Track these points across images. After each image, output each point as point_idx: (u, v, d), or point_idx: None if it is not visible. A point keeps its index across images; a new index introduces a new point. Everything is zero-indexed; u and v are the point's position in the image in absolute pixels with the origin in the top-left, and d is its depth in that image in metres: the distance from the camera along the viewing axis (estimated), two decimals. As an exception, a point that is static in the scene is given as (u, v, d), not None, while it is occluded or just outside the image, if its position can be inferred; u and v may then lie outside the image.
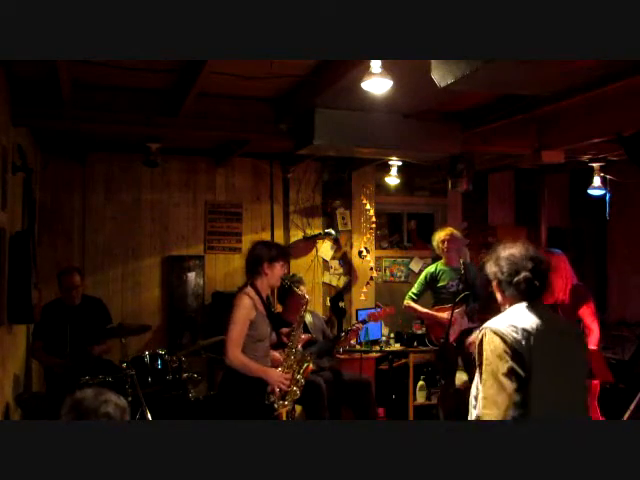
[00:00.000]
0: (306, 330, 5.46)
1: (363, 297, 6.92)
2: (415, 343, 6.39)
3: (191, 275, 6.48)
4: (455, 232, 5.86)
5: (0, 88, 3.91)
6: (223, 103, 4.81)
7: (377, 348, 6.17)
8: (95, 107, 4.59)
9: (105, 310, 5.39)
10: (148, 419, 4.57)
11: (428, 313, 5.73)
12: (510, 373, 2.18)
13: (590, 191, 5.96)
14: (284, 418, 3.91)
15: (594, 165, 5.82)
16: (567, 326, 2.55)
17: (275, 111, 4.96)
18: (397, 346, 6.45)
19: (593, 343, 4.31)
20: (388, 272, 7.26)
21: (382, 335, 6.62)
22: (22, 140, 4.74)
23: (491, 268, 2.44)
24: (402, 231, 7.41)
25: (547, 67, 2.76)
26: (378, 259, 7.18)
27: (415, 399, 6.25)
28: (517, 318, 2.31)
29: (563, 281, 4.46)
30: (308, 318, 5.61)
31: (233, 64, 3.90)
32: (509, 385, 2.17)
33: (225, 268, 6.61)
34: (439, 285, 5.74)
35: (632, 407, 4.39)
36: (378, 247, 7.19)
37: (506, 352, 2.20)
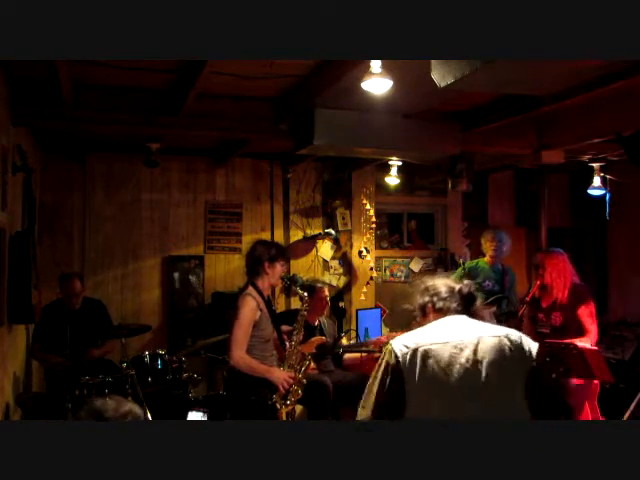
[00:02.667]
0: (322, 333, 5.46)
1: (363, 297, 6.92)
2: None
3: (191, 275, 6.48)
4: (505, 234, 5.81)
5: (0, 88, 3.91)
6: (223, 103, 4.81)
7: (377, 348, 6.15)
8: (95, 107, 4.59)
9: (105, 313, 5.39)
10: (148, 419, 4.57)
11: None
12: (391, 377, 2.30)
13: (590, 191, 5.95)
14: (284, 418, 3.91)
15: (594, 165, 5.82)
16: (499, 340, 2.34)
17: (275, 111, 4.96)
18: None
19: (589, 344, 4.28)
20: (388, 272, 7.26)
21: (382, 335, 6.61)
22: (22, 140, 4.74)
23: (424, 298, 2.62)
24: (402, 231, 7.41)
25: (547, 67, 2.76)
26: (378, 259, 7.18)
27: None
28: (421, 332, 2.42)
29: (562, 280, 4.46)
30: (324, 321, 5.62)
31: (233, 64, 3.90)
32: (381, 389, 2.31)
33: (225, 268, 6.61)
34: (476, 281, 5.69)
35: (632, 407, 4.39)
36: (378, 247, 7.19)
37: (390, 362, 2.33)
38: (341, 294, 6.84)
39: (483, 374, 2.22)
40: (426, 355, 2.27)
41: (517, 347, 2.27)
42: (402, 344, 2.34)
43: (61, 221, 6.14)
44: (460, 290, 2.52)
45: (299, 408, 5.28)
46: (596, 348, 4.06)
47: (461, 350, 2.27)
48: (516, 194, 7.59)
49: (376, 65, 3.41)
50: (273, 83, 4.40)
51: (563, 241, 7.18)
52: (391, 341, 2.38)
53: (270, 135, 5.09)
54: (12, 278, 4.22)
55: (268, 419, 3.75)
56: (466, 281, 2.61)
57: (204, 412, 3.80)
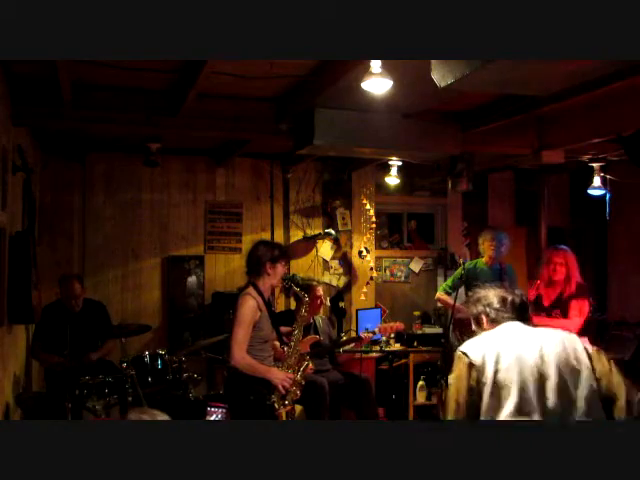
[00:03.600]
0: (315, 332, 5.46)
1: (363, 297, 6.91)
2: (415, 343, 6.39)
3: (191, 275, 6.48)
4: (503, 234, 5.81)
5: (0, 88, 3.91)
6: (223, 103, 4.81)
7: (377, 348, 6.17)
8: (95, 107, 4.59)
9: (106, 314, 5.39)
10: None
11: (459, 307, 5.59)
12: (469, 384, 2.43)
13: (590, 191, 5.96)
14: (284, 418, 3.91)
15: (594, 165, 5.82)
16: (558, 344, 2.53)
17: (275, 111, 4.95)
18: (397, 346, 6.45)
19: (560, 324, 4.40)
20: (388, 272, 7.26)
21: (382, 335, 6.62)
22: (22, 140, 4.74)
23: (477, 308, 2.71)
24: (402, 231, 7.41)
25: (547, 67, 2.76)
26: (378, 259, 7.18)
27: (415, 399, 6.25)
28: (488, 339, 2.53)
29: (572, 275, 4.55)
30: (318, 320, 5.61)
31: (233, 64, 3.90)
32: (461, 396, 2.42)
33: (225, 268, 6.61)
34: (475, 282, 5.67)
35: (632, 407, 4.39)
36: (378, 247, 7.19)
37: (465, 369, 2.45)
38: (341, 294, 6.84)
39: (551, 375, 2.35)
40: (498, 359, 2.40)
41: (577, 348, 2.45)
42: (473, 349, 2.47)
43: (61, 221, 6.14)
44: (512, 301, 2.65)
45: (299, 408, 5.28)
46: (596, 348, 4.06)
47: (528, 354, 2.40)
48: (516, 194, 7.58)
49: (376, 65, 3.41)
50: (273, 83, 4.40)
51: (563, 241, 7.18)
52: (461, 348, 2.51)
53: (270, 135, 5.09)
54: (12, 278, 4.22)
55: (267, 419, 3.75)
56: (517, 291, 2.73)
57: (223, 408, 3.79)
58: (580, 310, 4.47)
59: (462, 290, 5.56)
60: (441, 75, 2.96)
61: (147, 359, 4.97)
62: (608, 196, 6.03)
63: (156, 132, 5.15)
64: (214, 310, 6.38)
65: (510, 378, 2.35)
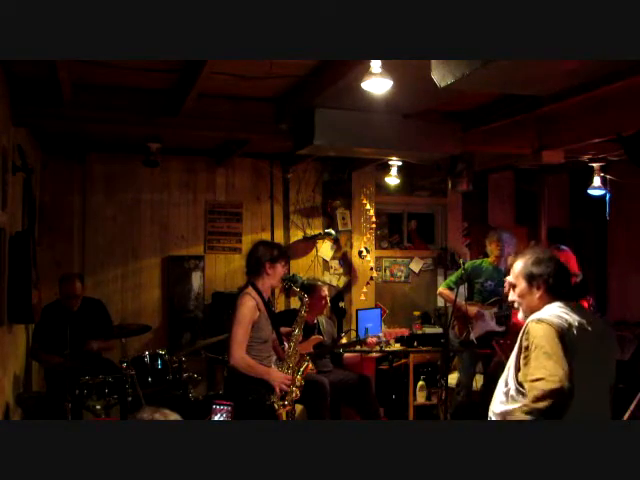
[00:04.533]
0: (320, 332, 5.46)
1: (363, 297, 6.92)
2: (415, 343, 6.39)
3: (191, 275, 6.48)
4: (509, 235, 5.80)
5: (0, 88, 3.91)
6: (223, 103, 4.81)
7: (377, 348, 6.17)
8: (95, 107, 4.59)
9: (105, 312, 5.39)
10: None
11: (460, 303, 5.59)
12: (564, 352, 2.29)
13: (590, 191, 5.96)
14: (284, 418, 3.91)
15: (594, 165, 5.82)
16: (605, 328, 2.57)
17: (275, 111, 4.95)
18: (397, 346, 6.45)
19: None
20: (388, 272, 7.26)
21: (387, 340, 6.62)
22: (22, 140, 4.74)
23: (537, 268, 2.55)
24: (402, 231, 7.41)
25: (547, 67, 2.76)
26: (378, 259, 7.18)
27: (415, 399, 6.25)
28: (560, 313, 2.43)
29: (572, 275, 4.52)
30: (322, 320, 5.62)
31: (233, 64, 3.90)
32: (564, 362, 2.26)
33: (225, 268, 6.61)
34: (478, 280, 5.69)
35: (632, 407, 4.40)
36: (378, 247, 7.19)
37: (557, 336, 2.31)
38: (341, 294, 6.84)
39: (605, 358, 2.40)
40: (579, 335, 2.35)
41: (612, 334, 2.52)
42: (558, 319, 2.38)
43: (61, 221, 6.14)
44: (573, 277, 2.66)
45: (299, 408, 5.28)
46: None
47: (593, 333, 2.38)
48: (516, 194, 7.59)
49: (376, 65, 3.41)
50: (273, 83, 4.40)
51: (563, 241, 7.18)
52: (540, 317, 2.40)
53: (270, 135, 5.09)
54: (12, 278, 4.22)
55: (266, 419, 3.75)
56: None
57: (228, 406, 3.77)
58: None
59: (462, 289, 5.56)
60: (441, 75, 2.96)
61: (147, 359, 4.97)
62: (608, 196, 6.02)
63: (156, 132, 5.15)
64: (214, 310, 6.39)
65: (587, 359, 2.34)
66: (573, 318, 2.39)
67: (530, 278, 2.54)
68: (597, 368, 2.38)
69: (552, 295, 2.50)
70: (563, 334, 2.31)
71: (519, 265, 2.61)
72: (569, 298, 2.50)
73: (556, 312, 2.42)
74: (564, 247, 4.74)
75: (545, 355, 2.27)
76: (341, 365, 5.85)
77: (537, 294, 2.52)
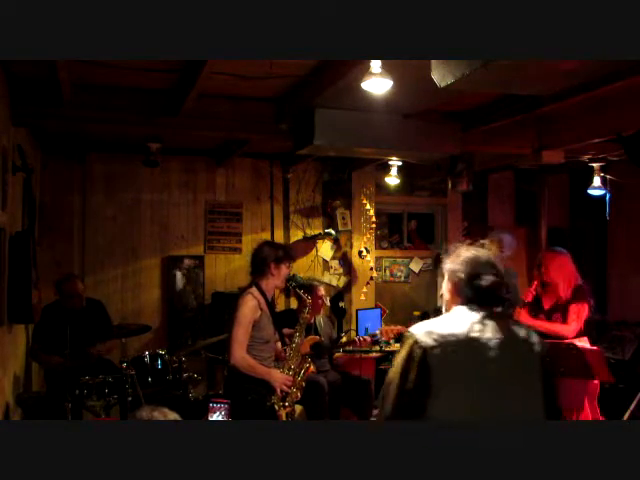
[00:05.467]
0: (316, 332, 5.46)
1: (363, 297, 6.92)
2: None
3: (191, 275, 6.48)
4: (509, 236, 5.79)
5: (0, 88, 3.91)
6: (223, 103, 4.81)
7: (377, 348, 6.17)
8: (95, 107, 4.59)
9: (105, 313, 5.39)
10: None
11: None
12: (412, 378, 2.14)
13: (590, 191, 5.95)
14: (284, 418, 3.91)
15: (594, 165, 5.82)
16: (516, 341, 2.26)
17: (275, 111, 4.95)
18: (397, 346, 6.44)
19: (553, 326, 4.40)
20: (388, 272, 7.27)
21: (383, 338, 6.61)
22: (22, 140, 4.74)
23: (452, 266, 2.37)
24: (402, 231, 7.41)
25: (547, 67, 2.76)
26: (378, 259, 7.19)
27: (415, 399, 6.23)
28: (447, 323, 2.25)
29: (566, 279, 4.47)
30: (319, 320, 5.61)
31: (233, 64, 3.90)
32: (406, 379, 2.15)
33: (225, 268, 6.61)
34: None
35: (632, 407, 4.39)
36: (378, 247, 7.20)
37: (410, 352, 2.16)
38: (341, 294, 6.84)
39: (505, 370, 2.19)
40: (454, 348, 2.14)
41: (532, 342, 2.28)
42: (427, 334, 2.17)
43: (61, 221, 6.14)
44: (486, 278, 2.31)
45: (299, 408, 5.28)
46: (596, 348, 4.07)
47: (484, 344, 2.18)
48: (516, 194, 7.59)
49: (376, 65, 3.41)
50: (273, 83, 4.40)
51: (563, 241, 7.18)
52: (411, 330, 2.21)
53: (270, 135, 5.09)
54: (12, 278, 4.22)
55: (266, 419, 3.75)
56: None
57: (226, 404, 3.76)
58: (578, 314, 4.41)
59: None
60: (441, 75, 2.96)
61: (147, 359, 4.97)
62: (608, 196, 6.02)
63: (156, 132, 5.15)
64: (214, 310, 6.39)
65: (467, 372, 2.18)
66: (455, 329, 2.19)
67: (447, 274, 2.39)
68: (484, 383, 2.15)
69: (460, 297, 2.30)
70: (421, 349, 2.13)
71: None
72: (483, 304, 2.26)
73: (440, 321, 2.26)
74: (561, 249, 4.71)
75: (391, 376, 2.19)
76: (336, 365, 5.84)
77: (449, 293, 2.37)
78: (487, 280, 2.30)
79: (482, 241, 2.57)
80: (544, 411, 2.18)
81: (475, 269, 2.32)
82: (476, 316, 2.25)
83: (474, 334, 2.20)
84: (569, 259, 4.55)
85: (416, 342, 2.15)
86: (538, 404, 2.19)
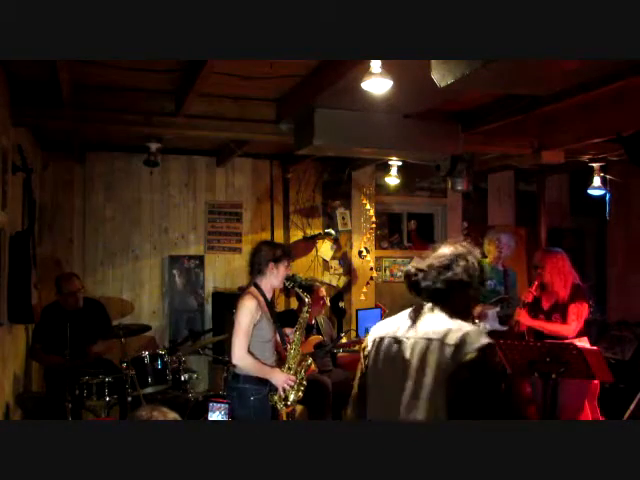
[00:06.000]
0: (318, 332, 5.46)
1: (363, 297, 6.92)
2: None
3: (191, 275, 6.48)
4: (508, 236, 5.80)
5: (0, 88, 3.91)
6: (223, 103, 4.81)
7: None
8: (95, 107, 4.59)
9: (105, 313, 5.39)
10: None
11: None
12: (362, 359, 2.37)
13: (590, 191, 5.96)
14: (285, 418, 3.91)
15: (594, 165, 5.82)
16: (429, 340, 2.14)
17: (275, 111, 4.96)
18: (360, 352, 6.43)
19: (552, 326, 4.44)
20: (388, 272, 7.27)
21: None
22: (22, 140, 4.74)
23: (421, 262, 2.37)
24: (402, 231, 7.41)
25: (547, 67, 2.76)
26: (378, 259, 7.19)
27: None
28: (389, 321, 2.38)
29: (562, 279, 4.48)
30: (320, 320, 5.61)
31: (233, 64, 3.90)
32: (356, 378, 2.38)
33: (225, 268, 6.61)
34: None
35: (632, 407, 4.40)
36: (378, 247, 7.20)
37: (365, 344, 2.38)
38: (341, 294, 6.84)
39: (405, 372, 2.14)
40: (381, 346, 2.27)
41: (445, 347, 2.08)
42: (371, 334, 2.37)
43: (61, 221, 6.15)
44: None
45: (299, 408, 5.28)
46: (596, 348, 4.07)
47: (400, 345, 2.20)
48: (516, 194, 7.59)
49: (376, 65, 3.41)
50: (273, 83, 4.40)
51: (563, 241, 7.19)
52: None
53: (270, 135, 5.09)
54: (12, 278, 4.22)
55: (267, 419, 3.75)
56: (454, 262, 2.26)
57: (226, 404, 3.76)
58: (578, 314, 4.42)
59: None
60: (441, 75, 2.96)
61: (147, 359, 4.97)
62: (608, 196, 6.02)
63: (156, 132, 5.15)
64: (214, 310, 6.39)
65: (379, 371, 2.31)
66: (387, 328, 2.31)
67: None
68: (393, 377, 2.18)
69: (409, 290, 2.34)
70: (363, 349, 2.37)
71: None
72: (425, 299, 2.24)
73: (389, 320, 2.38)
74: (557, 249, 4.72)
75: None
76: (338, 365, 5.84)
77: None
78: (407, 268, 2.34)
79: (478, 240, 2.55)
80: (451, 417, 2.04)
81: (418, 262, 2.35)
82: (411, 313, 2.29)
83: (397, 333, 2.25)
84: (566, 258, 4.56)
85: (365, 341, 2.39)
86: (431, 412, 2.07)
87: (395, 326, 2.29)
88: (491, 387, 2.07)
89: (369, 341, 2.36)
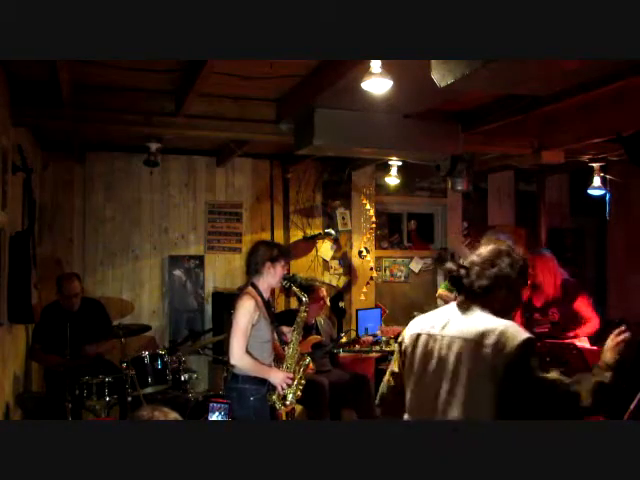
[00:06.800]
0: (318, 332, 5.46)
1: (363, 297, 6.92)
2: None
3: (191, 275, 6.48)
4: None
5: (0, 88, 3.91)
6: (223, 103, 4.81)
7: (377, 348, 6.17)
8: (95, 107, 4.59)
9: (104, 312, 5.39)
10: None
11: None
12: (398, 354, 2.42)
13: (590, 191, 5.96)
14: (284, 418, 3.91)
15: (594, 165, 5.83)
16: (468, 338, 2.14)
17: (275, 111, 4.95)
18: (397, 346, 6.44)
19: (590, 330, 4.52)
20: (388, 272, 7.27)
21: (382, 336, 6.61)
22: (22, 140, 4.74)
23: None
24: (402, 231, 7.41)
25: (547, 67, 2.76)
26: (378, 259, 7.19)
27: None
28: (426, 317, 2.38)
29: (552, 278, 4.61)
30: (320, 320, 5.61)
31: (233, 64, 3.90)
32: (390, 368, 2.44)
33: (225, 268, 6.61)
34: None
35: (632, 407, 4.40)
36: (378, 247, 7.20)
37: (400, 338, 2.41)
38: (341, 294, 6.84)
39: (444, 369, 2.16)
40: (418, 342, 2.28)
41: (485, 344, 2.08)
42: (408, 328, 2.37)
43: (61, 221, 6.14)
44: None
45: (299, 408, 5.28)
46: (596, 348, 4.08)
47: (436, 342, 2.22)
48: (516, 194, 7.59)
49: (376, 65, 3.41)
50: (273, 83, 4.40)
51: (563, 241, 7.19)
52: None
53: (270, 135, 5.09)
54: (12, 278, 4.22)
55: (267, 419, 3.75)
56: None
57: (226, 404, 3.76)
58: (588, 306, 4.60)
59: None
60: (441, 75, 2.96)
61: (147, 359, 4.97)
62: (608, 196, 6.03)
63: (156, 132, 5.15)
64: (214, 310, 6.39)
65: (418, 366, 2.33)
66: (425, 324, 2.31)
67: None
68: (434, 370, 2.20)
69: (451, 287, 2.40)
70: (399, 344, 2.41)
71: None
72: (465, 296, 2.25)
73: (427, 315, 2.39)
74: (544, 251, 4.83)
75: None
76: (337, 365, 5.84)
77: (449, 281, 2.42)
78: (448, 265, 2.32)
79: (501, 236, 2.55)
80: (494, 416, 2.04)
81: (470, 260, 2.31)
82: (449, 310, 2.29)
83: (433, 330, 2.25)
84: (554, 258, 4.72)
85: (402, 335, 2.39)
86: (480, 408, 2.07)
87: (432, 322, 2.30)
88: (536, 380, 2.07)
89: (406, 336, 2.36)
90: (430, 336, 2.26)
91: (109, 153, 6.26)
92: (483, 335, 2.09)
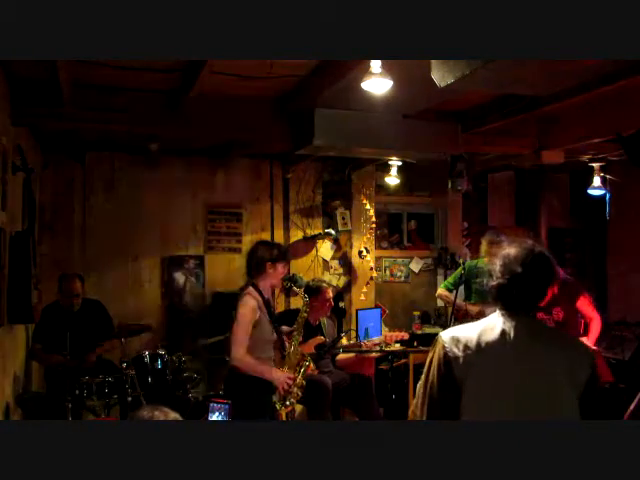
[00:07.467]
0: (322, 333, 5.46)
1: (363, 297, 6.92)
2: (415, 343, 6.38)
3: (191, 275, 6.48)
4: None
5: (0, 88, 3.91)
6: (223, 103, 4.81)
7: (377, 348, 6.16)
8: (95, 107, 4.59)
9: (105, 312, 5.39)
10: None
11: (460, 304, 5.66)
12: (440, 383, 2.10)
13: (590, 191, 5.96)
14: (284, 418, 3.91)
15: (594, 165, 5.83)
16: (542, 354, 2.06)
17: (275, 111, 4.96)
18: (397, 346, 6.44)
19: (596, 332, 4.54)
20: (388, 272, 7.27)
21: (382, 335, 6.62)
22: (22, 140, 4.74)
23: (493, 266, 2.17)
24: (402, 231, 7.41)
25: (547, 67, 2.76)
26: (378, 259, 7.19)
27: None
28: (475, 329, 2.12)
29: None
30: (324, 322, 5.61)
31: (233, 64, 3.90)
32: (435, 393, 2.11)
33: (225, 268, 6.61)
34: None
35: (632, 407, 4.40)
36: (378, 247, 7.20)
37: (438, 359, 2.10)
38: (341, 294, 6.84)
39: (529, 385, 2.05)
40: (481, 354, 2.04)
41: (558, 358, 2.05)
42: (454, 342, 2.08)
43: (61, 221, 6.14)
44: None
45: (299, 408, 5.28)
46: (596, 348, 4.09)
47: (511, 357, 2.05)
48: (516, 194, 7.59)
49: (376, 65, 3.41)
50: (273, 83, 4.40)
51: (563, 241, 7.19)
52: (441, 334, 2.13)
53: (270, 135, 5.09)
54: (12, 278, 4.22)
55: (267, 419, 3.75)
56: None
57: (226, 404, 3.75)
58: (590, 304, 4.60)
59: (462, 288, 5.58)
60: (441, 75, 2.96)
61: (147, 359, 4.97)
62: (608, 196, 6.03)
63: (156, 132, 5.15)
64: (214, 310, 6.38)
65: (497, 379, 2.08)
66: (485, 338, 2.07)
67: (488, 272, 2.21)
68: (509, 399, 2.06)
69: (494, 300, 2.13)
70: (447, 356, 2.07)
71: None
72: (517, 309, 2.09)
73: (469, 328, 2.13)
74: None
75: (424, 372, 2.15)
76: (335, 366, 5.83)
77: (491, 295, 2.18)
78: (512, 281, 2.08)
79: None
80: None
81: (506, 267, 2.11)
82: (507, 323, 2.08)
83: (500, 345, 2.06)
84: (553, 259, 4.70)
85: (443, 348, 2.09)
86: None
87: (481, 334, 2.09)
88: (601, 395, 2.11)
89: (450, 346, 2.08)
90: (496, 352, 2.06)
91: (109, 153, 6.26)
92: (561, 349, 2.09)
